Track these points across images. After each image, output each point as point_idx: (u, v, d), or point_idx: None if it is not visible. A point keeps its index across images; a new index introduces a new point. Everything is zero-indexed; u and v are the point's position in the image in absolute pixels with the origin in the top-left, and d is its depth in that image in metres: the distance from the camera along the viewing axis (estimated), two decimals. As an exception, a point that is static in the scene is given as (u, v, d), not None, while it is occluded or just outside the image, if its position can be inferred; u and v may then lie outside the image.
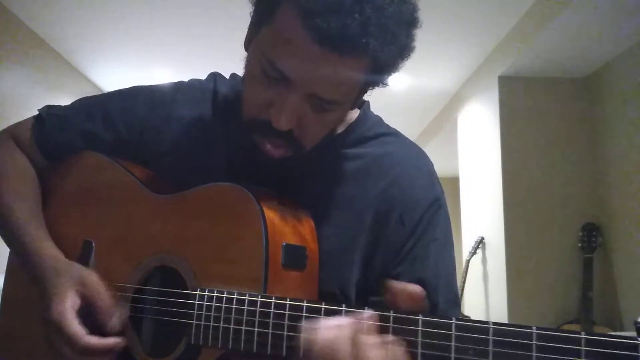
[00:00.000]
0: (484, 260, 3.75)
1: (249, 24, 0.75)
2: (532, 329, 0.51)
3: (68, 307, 0.73)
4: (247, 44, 0.75)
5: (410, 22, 0.68)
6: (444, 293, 0.76)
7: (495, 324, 0.53)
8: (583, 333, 0.48)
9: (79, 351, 0.72)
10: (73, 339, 0.71)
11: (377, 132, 0.84)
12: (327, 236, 0.77)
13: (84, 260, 0.83)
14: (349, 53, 0.64)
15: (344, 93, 0.70)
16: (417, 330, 0.56)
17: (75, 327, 0.72)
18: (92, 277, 0.76)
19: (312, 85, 0.67)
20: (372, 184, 0.80)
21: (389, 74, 0.71)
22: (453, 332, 0.54)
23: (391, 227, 0.77)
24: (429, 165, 0.85)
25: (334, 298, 0.76)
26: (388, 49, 0.65)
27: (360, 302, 0.75)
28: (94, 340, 0.72)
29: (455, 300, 0.79)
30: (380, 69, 0.69)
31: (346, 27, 0.61)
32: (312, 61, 0.64)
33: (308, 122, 0.71)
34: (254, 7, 0.72)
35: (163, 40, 3.73)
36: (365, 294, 0.77)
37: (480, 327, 0.53)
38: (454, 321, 0.54)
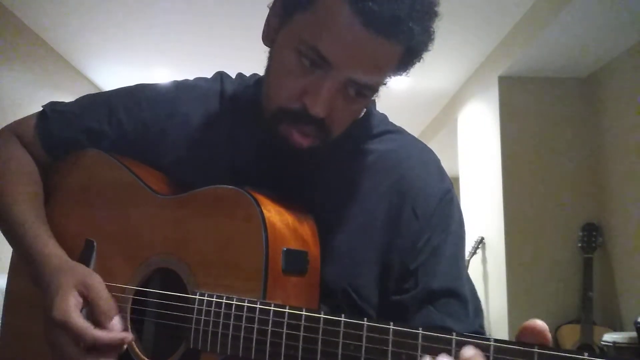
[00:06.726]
0: (484, 260, 3.75)
1: (268, 16, 0.75)
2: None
3: (72, 305, 0.72)
4: (271, 37, 0.75)
5: (435, 13, 0.70)
6: (472, 299, 0.77)
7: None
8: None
9: (87, 345, 0.70)
10: (81, 334, 0.70)
11: (382, 129, 0.85)
12: (336, 233, 0.77)
13: (85, 260, 0.82)
14: (394, 37, 0.66)
15: (379, 79, 0.72)
16: None
17: (82, 322, 0.71)
18: (94, 279, 0.76)
19: (351, 69, 0.68)
20: (380, 180, 0.80)
21: (415, 63, 0.74)
22: None
23: (405, 222, 0.77)
24: (436, 160, 0.86)
25: (343, 296, 0.75)
26: (423, 36, 0.69)
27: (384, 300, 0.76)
28: (103, 334, 0.71)
29: (479, 302, 0.79)
30: (411, 56, 0.71)
31: (396, 11, 0.64)
32: (357, 44, 0.66)
33: (339, 111, 0.72)
34: None
35: (163, 40, 3.73)
36: (388, 293, 0.76)
37: None
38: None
